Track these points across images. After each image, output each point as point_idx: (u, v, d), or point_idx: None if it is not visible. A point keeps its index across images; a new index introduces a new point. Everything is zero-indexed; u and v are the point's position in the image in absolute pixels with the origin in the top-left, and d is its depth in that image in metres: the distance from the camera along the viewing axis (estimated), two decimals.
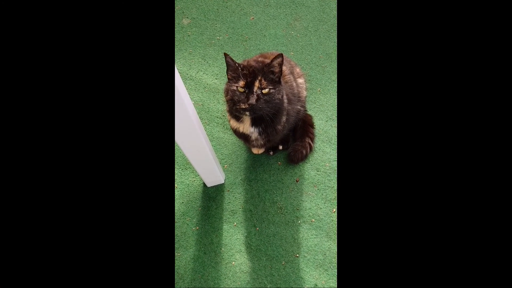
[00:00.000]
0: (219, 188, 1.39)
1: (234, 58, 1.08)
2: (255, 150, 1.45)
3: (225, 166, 1.44)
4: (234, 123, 1.24)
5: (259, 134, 1.22)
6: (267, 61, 1.12)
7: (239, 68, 1.08)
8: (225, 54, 1.07)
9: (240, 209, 1.34)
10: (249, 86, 1.07)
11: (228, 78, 1.13)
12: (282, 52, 1.11)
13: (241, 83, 1.07)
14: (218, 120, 1.55)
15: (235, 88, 1.09)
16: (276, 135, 1.25)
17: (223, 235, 1.29)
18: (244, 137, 1.26)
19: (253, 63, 1.10)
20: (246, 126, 1.21)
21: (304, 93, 1.39)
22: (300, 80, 1.36)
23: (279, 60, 1.07)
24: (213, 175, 1.33)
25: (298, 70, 1.39)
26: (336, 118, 1.51)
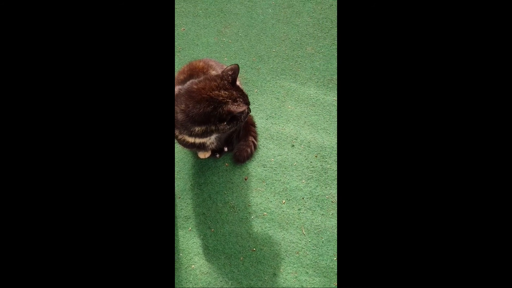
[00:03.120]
0: None
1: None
2: (202, 155, 1.48)
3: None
4: (190, 139, 1.23)
5: (215, 137, 1.27)
6: (213, 72, 1.21)
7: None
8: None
9: (193, 214, 1.36)
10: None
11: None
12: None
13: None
14: None
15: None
16: (224, 135, 1.31)
17: (180, 241, 1.30)
18: (198, 146, 1.28)
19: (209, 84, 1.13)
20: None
21: None
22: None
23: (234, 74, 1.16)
24: None
25: None
26: (275, 116, 1.59)
